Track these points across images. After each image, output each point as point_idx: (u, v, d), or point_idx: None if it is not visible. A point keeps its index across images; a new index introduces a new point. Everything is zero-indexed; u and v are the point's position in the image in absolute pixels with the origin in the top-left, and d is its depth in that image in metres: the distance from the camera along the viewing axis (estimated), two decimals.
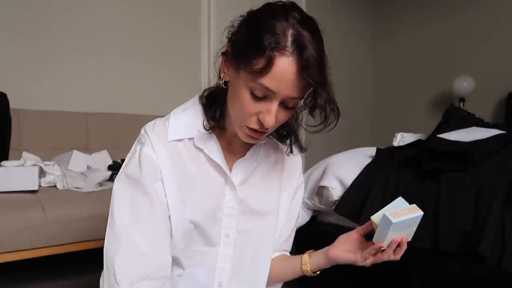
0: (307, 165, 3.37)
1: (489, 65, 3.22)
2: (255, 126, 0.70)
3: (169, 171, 0.75)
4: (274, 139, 0.85)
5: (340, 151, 1.77)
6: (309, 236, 1.65)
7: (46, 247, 1.55)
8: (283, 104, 0.69)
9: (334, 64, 0.71)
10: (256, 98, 0.67)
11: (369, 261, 0.76)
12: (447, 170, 1.28)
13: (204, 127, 0.78)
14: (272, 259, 0.90)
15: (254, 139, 0.73)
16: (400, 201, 0.76)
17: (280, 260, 0.90)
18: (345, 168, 1.51)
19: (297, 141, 0.85)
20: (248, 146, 0.83)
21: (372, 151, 1.61)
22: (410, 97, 3.76)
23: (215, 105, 0.78)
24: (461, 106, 3.13)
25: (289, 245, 0.95)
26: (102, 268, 0.82)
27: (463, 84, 3.09)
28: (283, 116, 0.70)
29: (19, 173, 1.72)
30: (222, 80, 0.73)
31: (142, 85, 2.75)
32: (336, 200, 1.47)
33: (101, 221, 0.90)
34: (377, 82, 4.08)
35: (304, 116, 0.81)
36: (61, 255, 1.61)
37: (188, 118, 0.79)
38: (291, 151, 0.84)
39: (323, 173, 1.55)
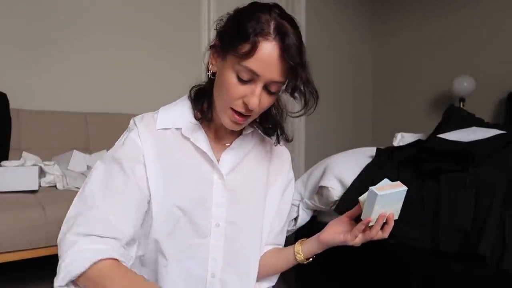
0: (307, 165, 3.38)
1: (489, 65, 3.22)
2: (241, 109, 0.75)
3: (154, 157, 0.79)
4: (261, 133, 0.90)
5: (340, 151, 1.77)
6: (309, 236, 1.65)
7: (46, 247, 1.55)
8: (267, 89, 0.75)
9: (334, 64, 0.73)
10: (241, 81, 0.73)
11: (358, 240, 0.80)
12: (447, 170, 1.28)
13: (194, 117, 0.83)
14: (265, 252, 0.92)
15: (238, 124, 0.78)
16: (386, 181, 0.80)
17: (274, 253, 0.93)
18: (345, 168, 1.51)
19: (283, 133, 0.89)
20: (235, 137, 0.87)
21: (372, 151, 1.61)
22: (410, 97, 3.76)
23: (203, 99, 0.83)
24: (461, 106, 3.13)
25: (281, 240, 0.97)
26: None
27: (463, 84, 3.09)
28: (267, 101, 0.76)
29: (19, 173, 1.72)
30: (210, 72, 0.79)
31: (142, 85, 2.75)
32: (336, 200, 1.47)
33: None
34: (377, 82, 4.08)
35: (289, 104, 0.89)
36: None
37: (177, 112, 0.84)
38: (278, 142, 0.90)
39: (323, 173, 1.55)
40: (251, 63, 0.71)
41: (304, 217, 1.59)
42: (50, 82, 2.42)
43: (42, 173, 1.89)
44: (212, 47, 0.79)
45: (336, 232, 0.85)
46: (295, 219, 1.58)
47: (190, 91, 0.86)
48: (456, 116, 1.79)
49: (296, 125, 3.50)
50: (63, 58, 2.46)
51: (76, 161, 2.07)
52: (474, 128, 1.59)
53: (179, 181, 0.80)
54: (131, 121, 0.84)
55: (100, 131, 2.41)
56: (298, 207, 1.59)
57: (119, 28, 2.66)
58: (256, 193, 0.88)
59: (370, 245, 1.44)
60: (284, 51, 0.71)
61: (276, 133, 0.89)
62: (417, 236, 1.24)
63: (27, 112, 2.23)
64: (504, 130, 1.48)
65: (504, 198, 1.16)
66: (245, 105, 0.74)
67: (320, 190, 1.53)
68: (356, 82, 3.97)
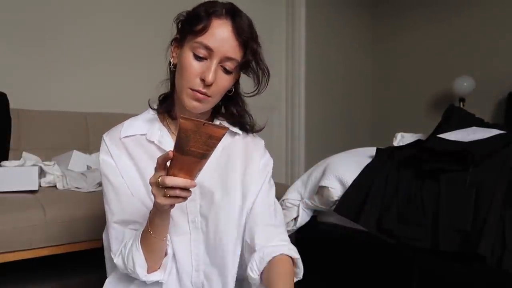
0: (307, 165, 3.38)
1: (489, 65, 3.22)
2: (199, 87, 0.80)
3: (126, 166, 0.87)
4: (229, 125, 0.91)
5: (340, 151, 1.77)
6: (309, 236, 1.65)
7: (46, 247, 1.55)
8: (222, 67, 0.81)
9: (334, 64, 0.74)
10: (198, 58, 0.79)
11: None
12: (447, 170, 1.28)
13: (153, 108, 0.90)
14: (272, 261, 0.82)
15: (198, 102, 0.81)
16: None
17: (273, 275, 0.81)
18: (345, 168, 1.51)
19: (251, 123, 0.94)
20: None
21: (372, 151, 1.61)
22: (410, 97, 3.76)
23: (168, 99, 0.91)
24: (461, 106, 3.13)
25: (274, 220, 0.91)
26: (102, 268, 0.84)
27: (463, 84, 3.09)
28: (225, 81, 0.82)
29: (19, 173, 1.72)
30: (171, 64, 0.87)
31: (142, 85, 2.74)
32: (336, 200, 1.47)
33: (101, 221, 0.90)
34: (377, 82, 4.07)
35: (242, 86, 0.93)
36: (61, 255, 1.61)
37: (141, 119, 0.92)
38: (247, 132, 0.94)
39: (323, 173, 1.55)
40: (205, 38, 0.78)
41: (304, 217, 1.59)
42: (50, 82, 2.42)
43: (42, 173, 1.89)
44: (174, 40, 0.87)
45: None
46: (295, 219, 1.58)
47: (159, 98, 0.93)
48: (456, 116, 1.79)
49: (296, 125, 3.50)
50: (63, 58, 2.46)
51: (76, 161, 2.07)
52: (474, 128, 1.58)
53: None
54: (102, 138, 0.91)
55: (100, 131, 2.39)
56: (298, 207, 1.59)
57: (119, 28, 2.66)
58: (227, 185, 0.88)
59: (370, 245, 1.44)
60: (236, 28, 0.79)
61: (244, 124, 0.93)
62: (417, 236, 1.24)
63: (27, 112, 2.23)
64: (504, 130, 1.48)
65: (504, 198, 1.16)
66: (203, 81, 0.79)
67: (320, 190, 1.53)
68: (356, 82, 3.97)
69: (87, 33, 2.54)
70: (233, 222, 0.88)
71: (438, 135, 1.53)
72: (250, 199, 0.89)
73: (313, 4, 3.49)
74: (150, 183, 0.71)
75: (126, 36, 2.69)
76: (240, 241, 0.89)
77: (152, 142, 0.87)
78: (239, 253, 0.89)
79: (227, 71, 0.81)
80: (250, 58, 0.82)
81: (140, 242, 0.80)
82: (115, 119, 2.48)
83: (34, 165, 1.82)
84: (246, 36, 0.80)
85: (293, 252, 0.85)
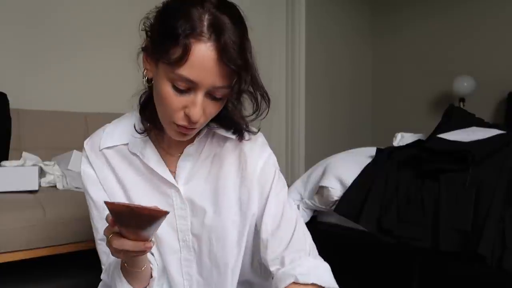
0: (307, 165, 3.38)
1: (489, 65, 3.22)
2: (183, 122, 0.65)
3: (108, 178, 0.78)
4: (221, 132, 0.77)
5: (340, 151, 1.77)
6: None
7: (45, 247, 1.55)
8: (210, 95, 0.65)
9: (334, 64, 0.72)
10: (179, 91, 0.63)
11: None
12: (447, 170, 1.28)
13: (137, 131, 0.76)
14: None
15: (185, 136, 0.69)
16: None
17: None
18: (345, 168, 1.51)
19: (247, 127, 0.77)
20: (190, 142, 0.77)
21: (372, 151, 1.61)
22: (410, 97, 3.76)
23: (150, 106, 0.74)
24: (461, 106, 3.13)
25: (299, 245, 0.77)
26: (101, 268, 0.84)
27: (463, 84, 3.09)
28: (213, 108, 0.66)
29: (19, 173, 1.72)
30: (145, 78, 0.71)
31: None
32: (336, 200, 1.47)
33: None
34: (377, 82, 4.07)
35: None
36: (61, 255, 1.61)
37: (124, 125, 0.79)
38: (242, 137, 0.77)
39: (323, 173, 1.54)
40: (185, 71, 0.60)
41: (304, 217, 1.59)
42: (50, 82, 2.42)
43: (42, 173, 1.89)
44: (143, 49, 0.71)
45: None
46: None
47: (139, 98, 0.78)
48: (456, 116, 1.79)
49: (296, 125, 3.50)
50: (63, 58, 2.46)
51: (76, 161, 2.07)
52: (474, 128, 1.58)
53: (138, 199, 0.77)
54: (83, 146, 0.81)
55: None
56: (298, 207, 1.59)
57: (119, 28, 2.66)
58: (218, 201, 0.77)
59: (370, 245, 1.44)
60: (222, 52, 0.60)
61: (237, 128, 0.76)
62: (417, 236, 1.24)
63: (27, 112, 2.23)
64: (504, 130, 1.48)
65: (504, 198, 1.16)
66: (187, 117, 0.64)
67: (320, 190, 1.53)
68: (356, 82, 3.97)
69: (88, 34, 2.54)
70: (230, 245, 0.77)
71: (438, 135, 1.53)
72: (250, 216, 0.78)
73: (313, 4, 3.49)
74: (104, 234, 0.63)
75: (126, 36, 2.68)
76: (240, 263, 0.80)
77: (135, 154, 0.77)
78: (238, 274, 0.80)
79: (216, 99, 0.66)
80: (243, 88, 0.64)
81: (121, 269, 0.72)
82: (115, 119, 2.49)
83: (34, 165, 1.82)
84: (236, 63, 0.61)
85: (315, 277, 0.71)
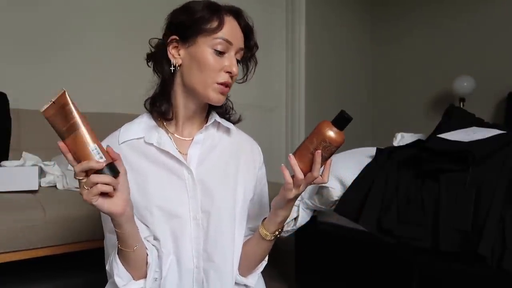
0: None
1: (489, 65, 3.22)
2: (226, 79, 0.85)
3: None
4: (221, 121, 0.95)
5: (340, 151, 1.77)
6: (309, 236, 1.65)
7: (45, 247, 1.55)
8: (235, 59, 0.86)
9: (334, 63, 0.73)
10: (219, 53, 0.84)
11: (302, 187, 0.83)
12: (447, 170, 1.28)
13: (165, 118, 0.90)
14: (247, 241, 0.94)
15: (223, 94, 0.87)
16: None
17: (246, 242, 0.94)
18: (345, 168, 1.51)
19: (231, 112, 0.98)
20: (199, 129, 0.93)
21: (372, 151, 1.61)
22: (410, 97, 3.76)
23: (159, 102, 0.90)
24: (461, 106, 3.13)
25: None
26: (102, 268, 0.85)
27: (463, 84, 3.09)
28: (236, 69, 0.87)
29: (19, 173, 1.72)
30: (174, 66, 0.88)
31: (143, 85, 2.74)
32: (336, 200, 1.47)
33: (101, 221, 0.90)
34: (377, 82, 4.07)
35: None
36: (61, 255, 1.61)
37: (137, 123, 0.92)
38: (233, 123, 0.98)
39: None
40: (224, 34, 0.83)
41: (304, 217, 1.59)
42: (50, 82, 2.42)
43: (42, 173, 1.89)
44: (169, 43, 0.88)
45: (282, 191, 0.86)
46: (295, 219, 1.58)
47: (144, 104, 0.94)
48: (456, 116, 1.79)
49: (296, 125, 3.50)
50: (63, 58, 2.46)
51: None
52: (474, 128, 1.58)
53: (153, 185, 0.86)
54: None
55: (100, 131, 2.38)
56: (298, 207, 1.59)
57: (119, 28, 2.66)
58: (225, 183, 0.91)
59: (370, 245, 1.44)
60: (240, 21, 0.87)
61: (227, 114, 0.97)
62: (417, 236, 1.24)
63: (27, 112, 2.23)
64: (504, 130, 1.48)
65: (504, 198, 1.16)
66: (228, 73, 0.85)
67: (320, 190, 1.53)
68: (356, 82, 3.97)
69: (88, 33, 2.54)
70: (232, 219, 0.90)
71: (438, 135, 1.53)
72: (249, 198, 0.95)
73: (313, 5, 3.49)
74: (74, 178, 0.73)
75: (127, 36, 2.69)
76: (241, 236, 0.92)
77: (151, 144, 0.87)
78: (240, 247, 0.92)
79: (237, 61, 0.87)
80: (252, 44, 0.91)
81: (117, 253, 0.81)
82: (115, 119, 2.49)
83: (34, 165, 1.82)
84: (249, 28, 0.89)
85: None
